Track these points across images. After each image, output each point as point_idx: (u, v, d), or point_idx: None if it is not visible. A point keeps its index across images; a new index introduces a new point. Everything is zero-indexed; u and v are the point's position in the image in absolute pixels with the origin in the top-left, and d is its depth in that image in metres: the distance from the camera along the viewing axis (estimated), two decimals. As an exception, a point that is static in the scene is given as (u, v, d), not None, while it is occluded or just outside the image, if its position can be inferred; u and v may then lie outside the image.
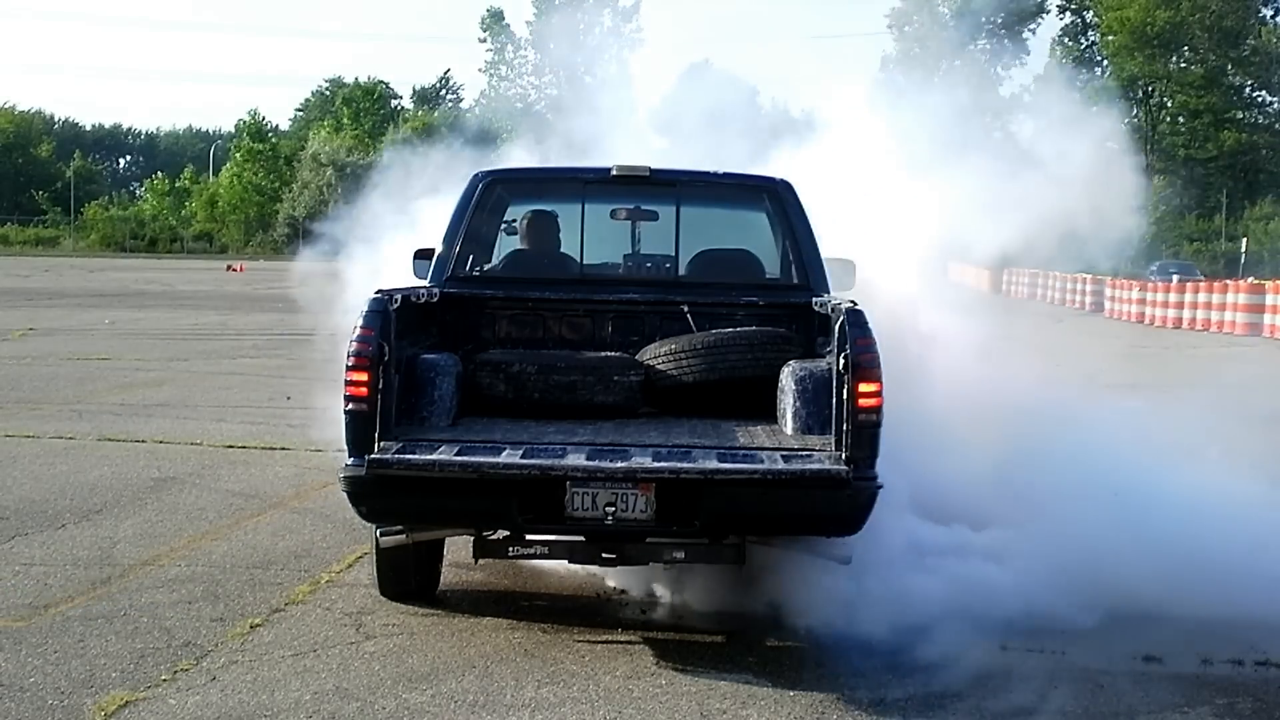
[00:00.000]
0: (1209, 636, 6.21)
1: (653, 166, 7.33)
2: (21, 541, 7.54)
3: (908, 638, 6.09)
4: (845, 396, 5.61)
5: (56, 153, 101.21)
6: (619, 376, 6.55)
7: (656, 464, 5.56)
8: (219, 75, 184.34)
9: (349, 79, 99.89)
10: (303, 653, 5.72)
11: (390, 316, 5.79)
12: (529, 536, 5.81)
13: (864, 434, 5.57)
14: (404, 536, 6.04)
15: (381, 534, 6.05)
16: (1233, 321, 29.97)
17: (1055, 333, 23.61)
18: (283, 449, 10.66)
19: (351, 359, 5.65)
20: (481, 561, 6.13)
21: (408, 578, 6.45)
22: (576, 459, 5.60)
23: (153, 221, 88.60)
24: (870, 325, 5.68)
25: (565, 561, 6.18)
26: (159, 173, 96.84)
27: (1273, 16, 66.05)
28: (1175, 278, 36.02)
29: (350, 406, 5.62)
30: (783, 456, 5.70)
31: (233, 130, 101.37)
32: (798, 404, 6.09)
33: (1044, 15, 68.14)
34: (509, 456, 5.58)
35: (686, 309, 7.04)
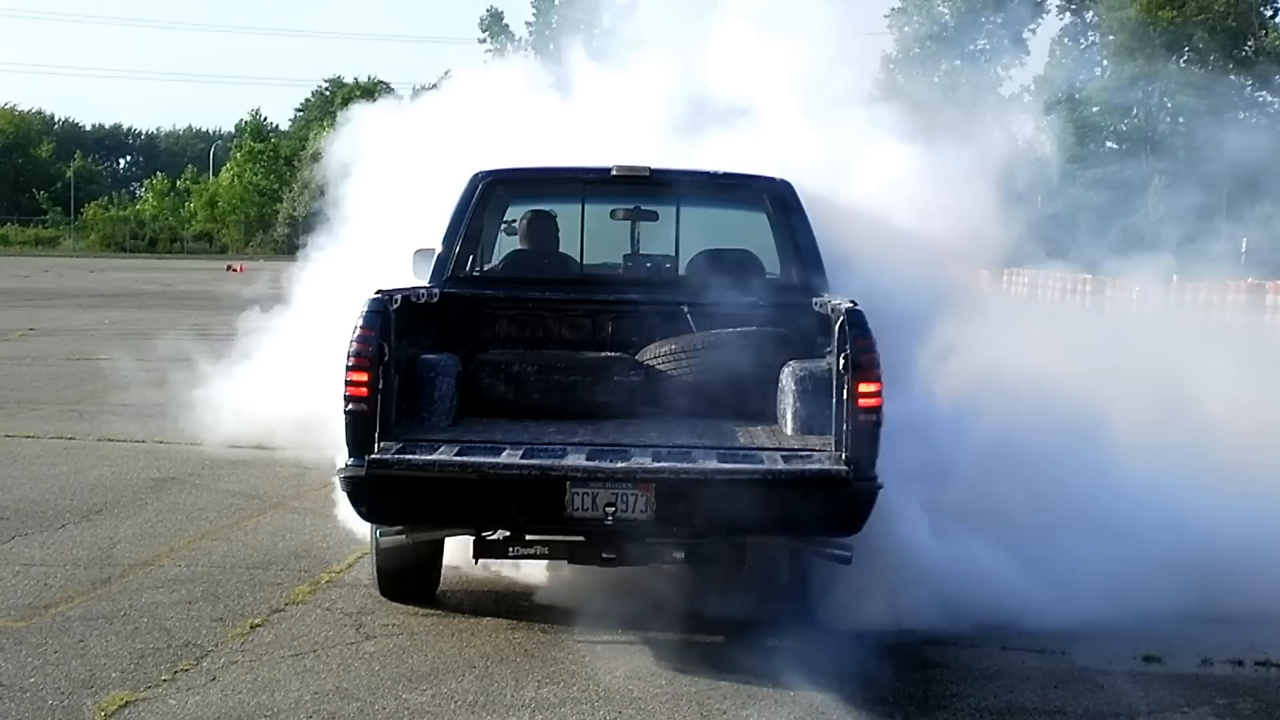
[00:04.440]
0: (1209, 636, 6.22)
1: (653, 166, 7.32)
2: (21, 541, 7.54)
3: (909, 638, 6.10)
4: (845, 396, 5.62)
5: (56, 153, 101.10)
6: (619, 376, 6.55)
7: (656, 464, 5.56)
8: (219, 75, 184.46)
9: (349, 79, 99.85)
10: (303, 653, 5.72)
11: (390, 316, 5.80)
12: (529, 536, 5.82)
13: (864, 434, 5.57)
14: (404, 536, 6.05)
15: (381, 534, 6.06)
16: (1232, 322, 29.93)
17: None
18: (282, 449, 10.64)
19: (351, 359, 5.65)
20: (481, 561, 6.13)
21: (408, 578, 6.45)
22: (576, 459, 5.60)
23: (153, 222, 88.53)
24: (870, 325, 5.69)
25: (565, 562, 6.18)
26: (159, 173, 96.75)
27: (1272, 17, 66.05)
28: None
29: (350, 406, 5.62)
30: (783, 456, 5.70)
31: (233, 130, 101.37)
32: (798, 404, 6.09)
33: (1044, 15, 68.22)
34: (509, 456, 5.58)
35: (686, 309, 7.04)
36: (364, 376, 5.63)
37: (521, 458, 5.58)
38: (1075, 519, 6.95)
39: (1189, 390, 9.55)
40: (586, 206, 7.42)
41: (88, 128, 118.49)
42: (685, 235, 7.39)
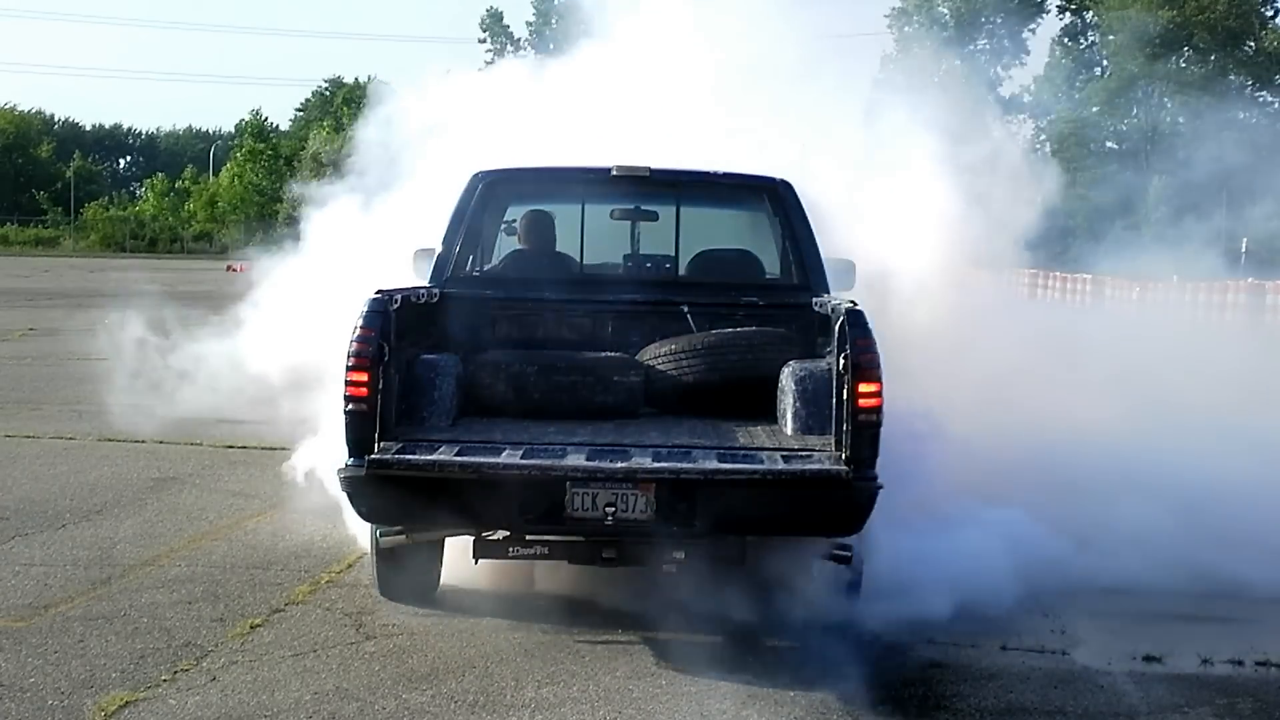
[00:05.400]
0: (1209, 636, 6.23)
1: (652, 166, 7.32)
2: (21, 541, 7.54)
3: (909, 638, 6.11)
4: (845, 397, 5.62)
5: (56, 153, 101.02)
6: (619, 376, 6.55)
7: (656, 464, 5.56)
8: (219, 75, 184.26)
9: (349, 79, 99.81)
10: (303, 653, 5.72)
11: (390, 317, 5.80)
12: (529, 536, 5.82)
13: (864, 434, 5.57)
14: (404, 536, 6.05)
15: (381, 534, 6.06)
16: (1233, 322, 29.90)
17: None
18: (282, 449, 10.64)
19: (351, 359, 5.65)
20: (481, 561, 6.14)
21: (408, 578, 6.45)
22: (576, 459, 5.60)
23: (153, 222, 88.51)
24: (870, 325, 5.69)
25: (565, 562, 6.18)
26: (159, 173, 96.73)
27: (1272, 17, 66.02)
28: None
29: (350, 407, 5.62)
30: (783, 456, 5.70)
31: (233, 130, 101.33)
32: (798, 404, 6.09)
33: (1044, 15, 68.22)
34: (509, 457, 5.58)
35: (686, 309, 7.04)
36: (364, 376, 5.63)
37: (521, 458, 5.58)
38: None
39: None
40: (586, 206, 7.42)
41: (88, 128, 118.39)
42: (685, 235, 7.39)
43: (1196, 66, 63.07)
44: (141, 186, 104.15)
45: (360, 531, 6.95)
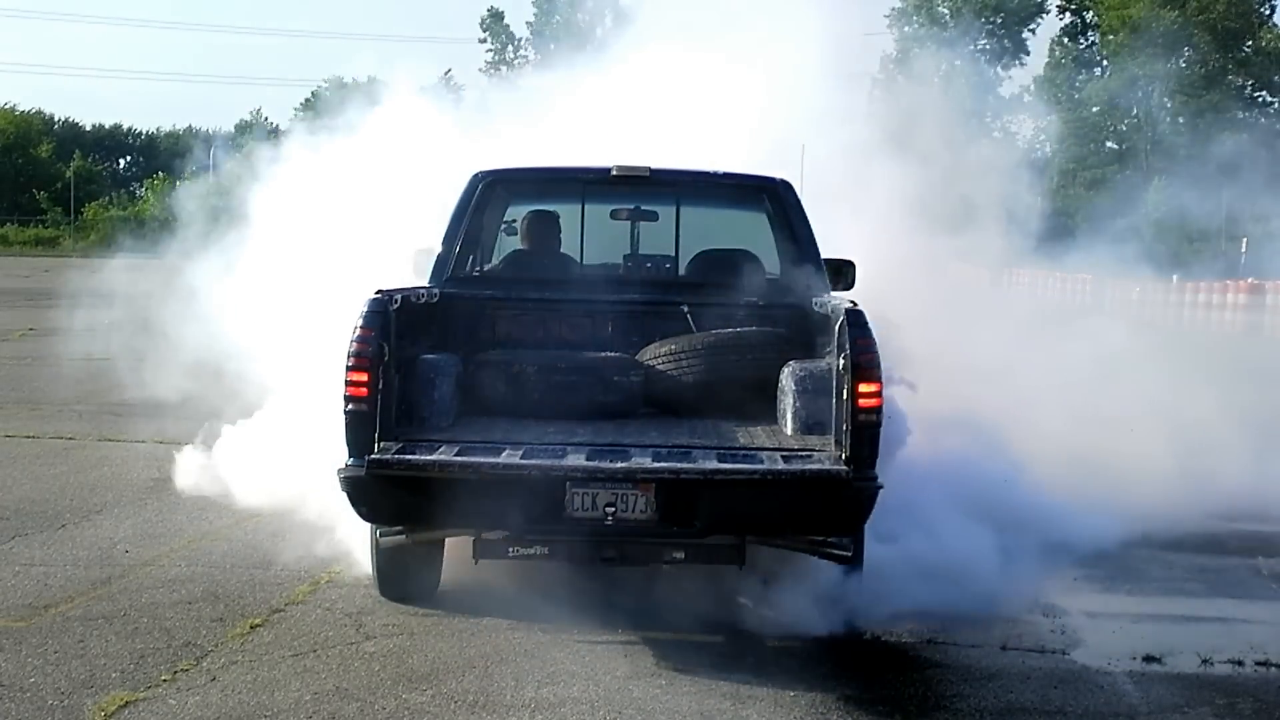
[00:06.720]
0: (1209, 636, 6.23)
1: (653, 166, 7.33)
2: (21, 541, 7.54)
3: (909, 638, 6.11)
4: (845, 397, 5.62)
5: (56, 153, 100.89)
6: (619, 376, 6.55)
7: (656, 464, 5.56)
8: (219, 75, 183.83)
9: (349, 79, 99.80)
10: (303, 653, 5.72)
11: (390, 317, 5.80)
12: (529, 536, 5.81)
13: (864, 434, 5.57)
14: (404, 536, 6.05)
15: (381, 534, 6.06)
16: (1232, 321, 29.92)
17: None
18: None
19: (351, 359, 5.65)
20: (481, 561, 6.13)
21: (408, 578, 6.45)
22: (576, 459, 5.60)
23: (153, 221, 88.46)
24: (870, 325, 5.69)
25: (565, 562, 6.18)
26: (159, 173, 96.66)
27: (1270, 15, 66.05)
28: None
29: (350, 407, 5.62)
30: (783, 456, 5.70)
31: (233, 130, 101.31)
32: (798, 404, 6.09)
33: (1044, 15, 68.23)
34: (509, 456, 5.58)
35: (686, 309, 7.04)
36: (364, 376, 5.63)
37: (521, 458, 5.58)
38: None
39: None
40: (586, 206, 7.42)
41: (88, 128, 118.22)
42: (685, 235, 7.39)
43: (1196, 66, 63.05)
44: (141, 186, 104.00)
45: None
